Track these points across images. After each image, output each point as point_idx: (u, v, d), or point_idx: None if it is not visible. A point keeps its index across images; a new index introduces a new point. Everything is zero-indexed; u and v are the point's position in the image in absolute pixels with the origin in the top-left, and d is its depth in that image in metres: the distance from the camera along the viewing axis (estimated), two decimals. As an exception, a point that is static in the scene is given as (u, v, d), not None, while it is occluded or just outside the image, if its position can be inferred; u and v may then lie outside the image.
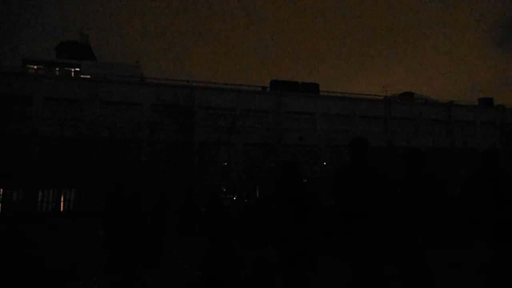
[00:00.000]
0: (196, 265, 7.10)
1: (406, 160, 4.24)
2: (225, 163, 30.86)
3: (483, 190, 4.37)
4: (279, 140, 32.95)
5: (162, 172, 23.76)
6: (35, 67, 35.05)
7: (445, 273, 5.68)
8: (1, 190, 26.31)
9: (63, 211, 26.72)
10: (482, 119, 41.78)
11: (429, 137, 38.34)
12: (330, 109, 36.22)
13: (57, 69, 36.39)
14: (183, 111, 26.50)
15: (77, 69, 36.96)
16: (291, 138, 33.70)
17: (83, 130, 26.23)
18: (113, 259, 5.58)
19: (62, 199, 27.32)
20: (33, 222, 20.97)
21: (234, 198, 30.25)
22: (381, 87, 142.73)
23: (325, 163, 33.15)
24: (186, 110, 26.64)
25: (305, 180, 4.49)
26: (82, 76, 34.37)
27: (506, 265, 4.18)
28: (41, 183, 25.61)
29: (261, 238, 5.95)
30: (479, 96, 47.16)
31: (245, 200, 28.11)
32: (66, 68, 36.73)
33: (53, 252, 10.39)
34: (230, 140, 28.09)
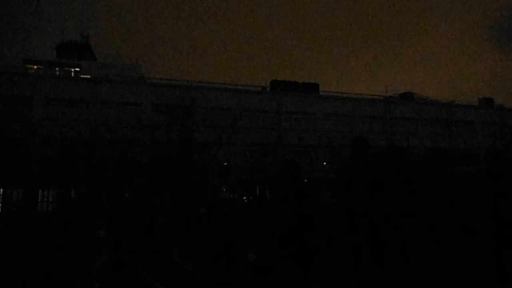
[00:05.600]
0: (196, 265, 7.11)
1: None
2: (225, 163, 30.84)
3: (490, 190, 4.39)
4: (279, 140, 32.92)
5: (162, 172, 23.75)
6: (35, 67, 34.97)
7: (443, 273, 5.69)
8: (1, 190, 26.30)
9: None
10: (482, 119, 41.79)
11: (429, 137, 38.33)
12: (330, 109, 36.23)
13: (57, 69, 36.33)
14: (183, 111, 26.49)
15: (77, 69, 36.91)
16: (291, 138, 33.68)
17: (83, 130, 26.20)
18: (114, 259, 5.58)
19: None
20: (33, 222, 20.93)
21: (234, 198, 30.15)
22: (381, 87, 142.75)
23: (325, 163, 33.13)
24: (186, 110, 26.63)
25: (306, 180, 4.50)
26: (82, 76, 34.33)
27: (509, 265, 4.18)
28: (41, 183, 25.59)
29: (261, 238, 5.95)
30: (479, 96, 47.08)
31: (245, 200, 28.08)
32: (66, 68, 36.66)
33: (52, 251, 10.38)
34: (230, 140, 28.07)
